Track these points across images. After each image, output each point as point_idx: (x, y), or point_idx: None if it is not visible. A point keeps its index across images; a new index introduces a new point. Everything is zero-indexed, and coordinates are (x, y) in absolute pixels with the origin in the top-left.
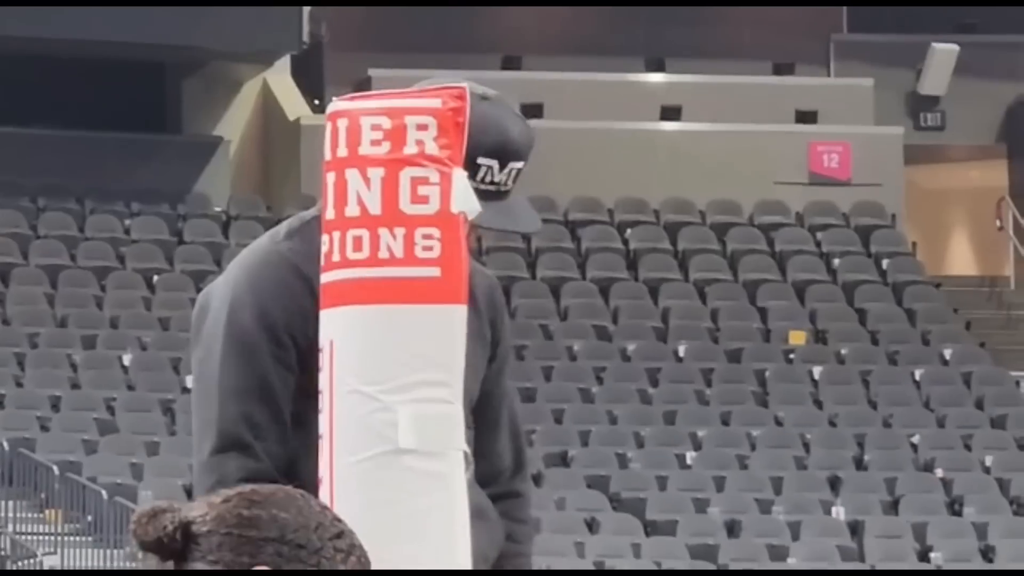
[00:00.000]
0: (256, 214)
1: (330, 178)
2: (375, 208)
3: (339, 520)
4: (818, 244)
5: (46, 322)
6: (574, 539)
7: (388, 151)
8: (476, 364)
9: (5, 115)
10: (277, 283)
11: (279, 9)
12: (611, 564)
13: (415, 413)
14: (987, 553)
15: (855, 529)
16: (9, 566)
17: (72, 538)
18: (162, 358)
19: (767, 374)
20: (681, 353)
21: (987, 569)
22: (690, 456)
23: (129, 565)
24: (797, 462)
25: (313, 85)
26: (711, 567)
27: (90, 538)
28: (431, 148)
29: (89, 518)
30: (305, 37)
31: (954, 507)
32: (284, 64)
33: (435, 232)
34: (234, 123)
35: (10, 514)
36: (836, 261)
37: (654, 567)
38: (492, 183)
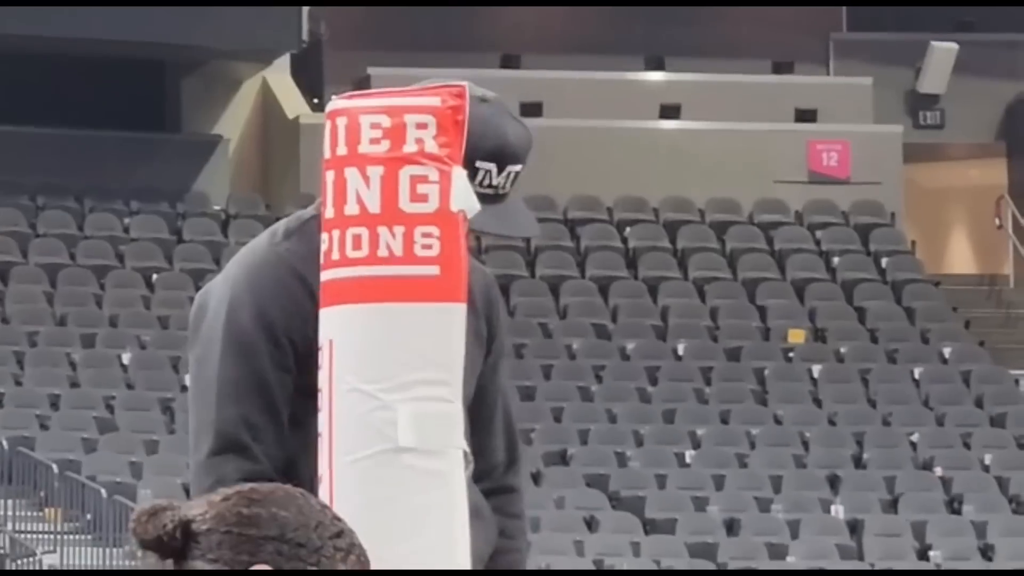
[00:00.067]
0: (255, 213)
1: (329, 176)
2: (374, 206)
3: (339, 519)
4: (817, 243)
5: (45, 321)
6: (573, 538)
7: (387, 149)
8: (473, 362)
9: (4, 114)
10: (275, 284)
11: (278, 8)
12: (610, 563)
13: (415, 411)
14: (986, 552)
15: (854, 528)
16: (8, 565)
17: (71, 537)
18: (161, 357)
19: (766, 373)
20: (680, 352)
21: (986, 569)
22: (689, 455)
23: (128, 564)
24: (796, 460)
25: (312, 84)
26: (710, 566)
27: (89, 537)
28: (430, 146)
29: (88, 517)
30: (304, 36)
31: (953, 506)
32: (283, 63)
33: (434, 230)
34: (233, 122)
35: (9, 512)
36: (835, 260)
37: (653, 566)
38: (490, 186)
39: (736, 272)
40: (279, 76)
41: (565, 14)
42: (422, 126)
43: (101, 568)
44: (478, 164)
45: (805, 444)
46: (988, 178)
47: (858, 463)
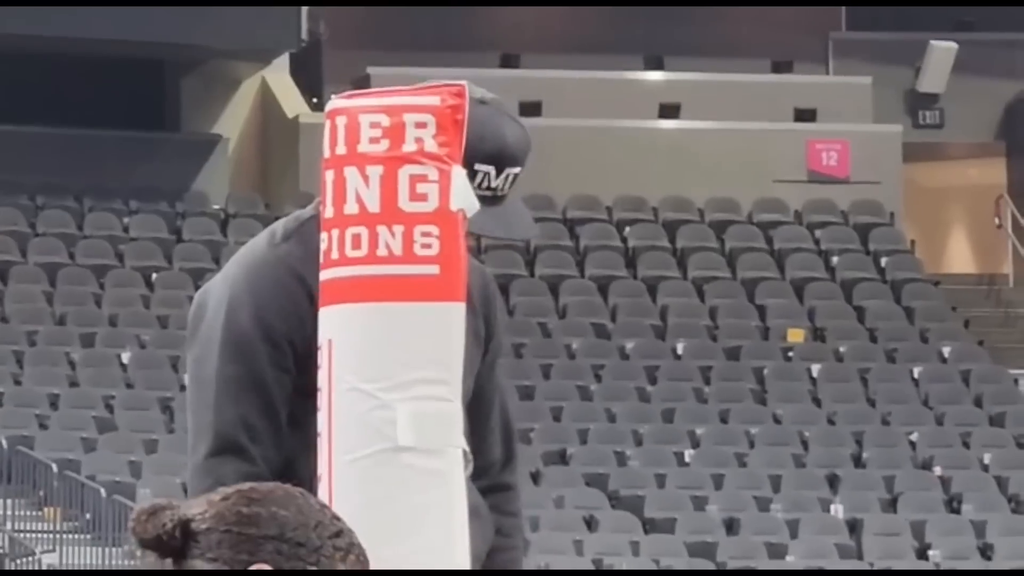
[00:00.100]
0: (254, 212)
1: (329, 176)
2: (374, 206)
3: (338, 518)
4: (817, 242)
5: (45, 320)
6: (573, 537)
7: (387, 149)
8: (471, 362)
9: (3, 113)
10: (274, 285)
11: (278, 7)
12: (609, 562)
13: (414, 411)
14: (985, 551)
15: (853, 527)
16: (7, 564)
17: (70, 536)
18: (161, 356)
19: (765, 372)
20: (680, 351)
21: (985, 568)
22: (688, 454)
23: (128, 563)
24: (795, 460)
25: (312, 83)
26: (709, 565)
27: (88, 536)
28: (430, 146)
29: (88, 516)
30: (304, 35)
31: (952, 505)
32: (283, 62)
33: (434, 230)
34: (233, 121)
35: (8, 512)
36: (835, 259)
37: (652, 565)
38: (489, 189)
39: (735, 271)
40: (278, 76)
41: (564, 14)
42: (421, 125)
43: (100, 567)
44: (476, 167)
45: (804, 443)
46: (987, 177)
47: (857, 462)
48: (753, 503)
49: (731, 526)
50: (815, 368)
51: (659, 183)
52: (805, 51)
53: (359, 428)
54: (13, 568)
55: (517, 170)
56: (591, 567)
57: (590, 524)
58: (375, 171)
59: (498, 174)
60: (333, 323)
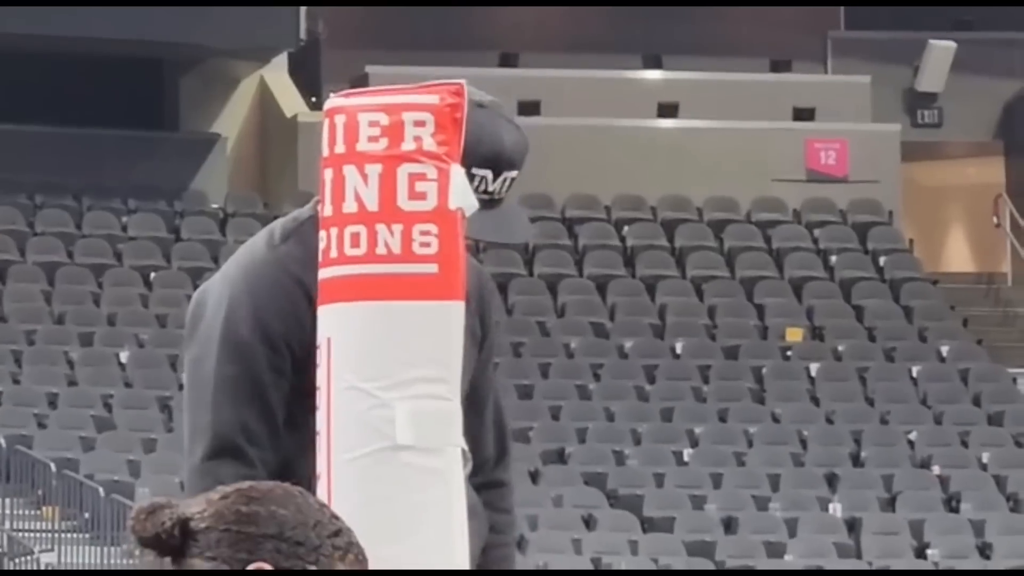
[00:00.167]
0: (253, 211)
1: (328, 174)
2: (373, 204)
3: (337, 518)
4: (815, 241)
5: (43, 319)
6: (571, 536)
7: (386, 147)
8: (468, 360)
9: (2, 112)
10: (273, 287)
11: (277, 6)
12: (608, 561)
13: (413, 409)
14: (984, 550)
15: (852, 526)
16: (6, 563)
17: (69, 535)
18: (159, 355)
19: (764, 371)
20: (678, 350)
21: (984, 568)
22: (687, 453)
23: (126, 562)
24: (794, 459)
25: (310, 82)
26: (708, 564)
27: (87, 535)
28: (429, 144)
29: (86, 515)
30: (302, 34)
31: (951, 504)
32: (281, 61)
33: (433, 228)
34: (231, 120)
35: (7, 511)
36: (833, 258)
37: (651, 564)
38: (486, 192)
39: (734, 271)
40: (277, 75)
41: (563, 13)
42: (420, 124)
43: (99, 567)
44: (474, 171)
45: (803, 442)
46: (986, 176)
47: (856, 461)
48: (752, 502)
49: (730, 525)
50: (814, 367)
51: (658, 182)
52: (804, 50)
53: (358, 427)
54: (12, 567)
55: (514, 174)
56: (590, 566)
57: (589, 523)
58: (374, 170)
59: (495, 178)
60: (332, 322)
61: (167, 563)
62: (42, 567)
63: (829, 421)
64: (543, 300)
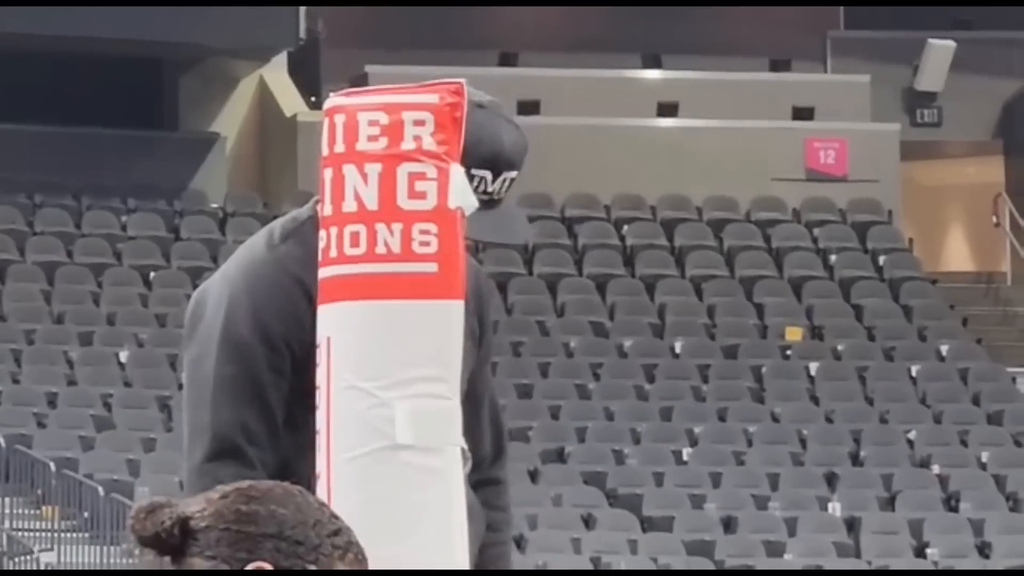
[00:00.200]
0: (253, 210)
1: (327, 174)
2: (372, 204)
3: (336, 517)
4: (815, 240)
5: (42, 319)
6: (571, 535)
7: (385, 147)
8: (466, 360)
9: (2, 112)
10: (273, 287)
11: (276, 6)
12: (607, 560)
13: (412, 409)
14: (983, 549)
15: (851, 525)
16: (5, 563)
17: (68, 535)
18: (159, 355)
19: (763, 370)
20: (678, 349)
21: (983, 568)
22: (686, 452)
23: (126, 562)
24: (793, 458)
25: (309, 82)
26: (707, 563)
27: (86, 535)
28: (428, 144)
29: (86, 515)
30: (302, 34)
31: (950, 503)
32: (281, 61)
33: (432, 228)
34: (231, 119)
35: (6, 510)
36: (833, 257)
37: (651, 563)
38: (485, 193)
39: (733, 270)
40: (276, 74)
41: (563, 12)
42: (420, 123)
43: (99, 566)
44: (473, 171)
45: (802, 442)
46: (985, 176)
47: (855, 461)
48: (751, 501)
49: (729, 524)
50: (813, 366)
51: (657, 182)
52: (803, 50)
53: (358, 426)
54: (11, 567)
55: (514, 174)
56: (589, 566)
57: (588, 522)
58: (374, 169)
59: (495, 179)
60: (331, 321)
61: (167, 562)
62: (41, 567)
63: (828, 420)
64: (542, 299)
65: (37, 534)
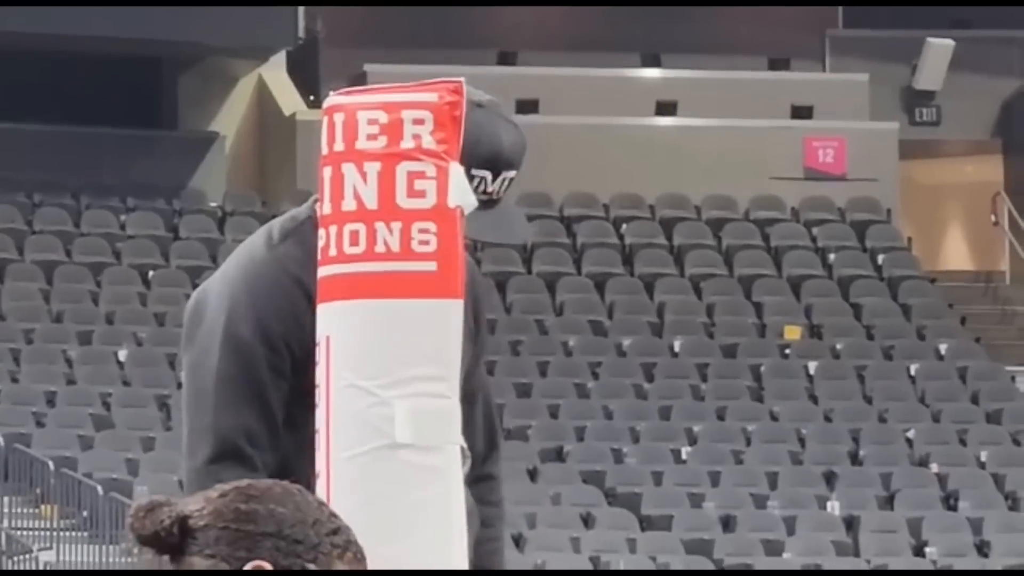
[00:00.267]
0: (252, 209)
1: (327, 172)
2: (372, 202)
3: (336, 516)
4: (813, 239)
5: (41, 317)
6: (570, 534)
7: (384, 145)
8: (463, 357)
9: (2, 111)
10: (273, 287)
11: (275, 5)
12: (606, 559)
13: (412, 407)
14: (982, 548)
15: (850, 524)
16: (5, 562)
17: (67, 534)
18: (158, 354)
19: (762, 369)
20: (676, 348)
21: (982, 568)
22: (685, 451)
23: (125, 561)
24: (792, 457)
25: (308, 81)
26: (706, 562)
27: (86, 534)
28: (428, 142)
29: (85, 514)
30: (301, 33)
31: (949, 502)
32: (280, 60)
33: (431, 226)
34: (230, 118)
35: (5, 509)
36: (831, 256)
37: (649, 562)
38: (484, 193)
39: (732, 269)
40: (275, 73)
41: (562, 11)
42: (419, 122)
43: (98, 565)
44: (473, 172)
45: (801, 441)
46: (984, 175)
47: (854, 459)
48: (750, 500)
49: (728, 523)
50: (812, 365)
51: (656, 180)
52: (802, 49)
53: (357, 425)
54: (10, 566)
55: (513, 174)
56: (588, 565)
57: (587, 521)
58: (373, 168)
59: (494, 179)
60: (331, 320)
61: (166, 561)
62: (41, 566)
63: (827, 419)
64: (542, 298)
65: (36, 533)
